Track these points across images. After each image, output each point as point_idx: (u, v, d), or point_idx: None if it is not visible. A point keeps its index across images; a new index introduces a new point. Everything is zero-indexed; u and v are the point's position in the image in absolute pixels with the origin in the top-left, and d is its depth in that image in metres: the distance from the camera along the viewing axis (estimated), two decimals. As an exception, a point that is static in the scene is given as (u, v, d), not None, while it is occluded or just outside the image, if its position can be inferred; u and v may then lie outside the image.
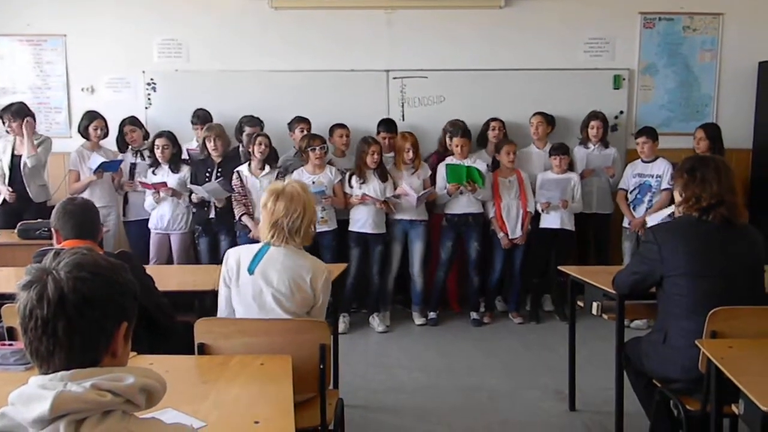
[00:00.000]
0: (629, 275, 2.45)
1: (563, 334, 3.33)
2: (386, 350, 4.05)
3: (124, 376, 1.01)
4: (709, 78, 5.05)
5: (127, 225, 4.68)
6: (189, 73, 4.96)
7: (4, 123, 4.35)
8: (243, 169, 4.27)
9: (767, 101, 4.94)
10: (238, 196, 4.23)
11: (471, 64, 4.94)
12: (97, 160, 4.38)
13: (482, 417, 3.07)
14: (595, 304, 2.74)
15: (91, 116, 4.50)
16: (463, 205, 4.43)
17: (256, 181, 4.23)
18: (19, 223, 3.84)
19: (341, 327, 4.19)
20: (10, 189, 4.28)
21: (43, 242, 3.30)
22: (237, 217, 4.24)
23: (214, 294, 2.56)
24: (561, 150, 4.46)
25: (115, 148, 4.66)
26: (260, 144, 4.19)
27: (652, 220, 3.99)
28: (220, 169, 4.34)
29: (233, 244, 4.16)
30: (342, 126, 4.60)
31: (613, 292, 2.55)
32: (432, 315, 4.53)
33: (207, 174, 4.34)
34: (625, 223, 4.56)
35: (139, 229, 4.56)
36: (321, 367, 2.05)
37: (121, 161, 4.54)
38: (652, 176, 4.43)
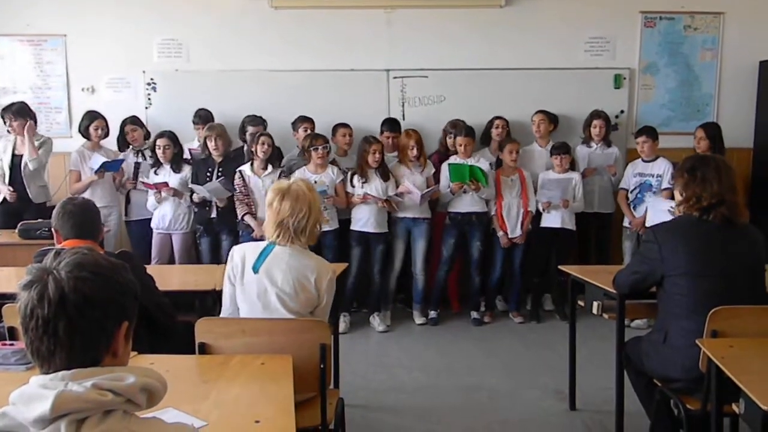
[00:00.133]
0: (630, 275, 2.45)
1: (564, 333, 3.33)
2: (387, 350, 4.06)
3: (125, 375, 1.01)
4: (709, 77, 5.05)
5: (129, 224, 4.69)
6: (189, 73, 4.96)
7: (5, 122, 4.35)
8: (245, 168, 4.27)
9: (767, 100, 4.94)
10: (240, 196, 4.23)
11: (471, 64, 4.94)
12: (98, 160, 4.38)
13: (482, 416, 3.07)
14: (595, 304, 2.74)
15: (92, 116, 4.51)
16: (467, 204, 4.43)
17: (258, 180, 4.23)
18: (20, 223, 3.85)
19: (342, 326, 4.19)
20: (11, 189, 4.29)
21: (43, 242, 3.30)
22: (239, 217, 4.24)
23: (215, 294, 2.57)
24: (562, 149, 4.46)
25: (115, 147, 4.66)
26: (263, 144, 4.19)
27: (652, 209, 4.00)
28: (221, 169, 4.34)
29: (235, 243, 4.14)
30: (345, 125, 4.60)
31: (614, 291, 2.55)
32: (432, 314, 4.53)
33: (208, 174, 4.35)
34: (626, 223, 4.56)
35: (141, 229, 4.57)
36: (321, 366, 2.05)
37: (122, 161, 4.54)
38: (653, 176, 4.43)
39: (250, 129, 4.53)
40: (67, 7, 4.92)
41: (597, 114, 4.67)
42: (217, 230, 4.42)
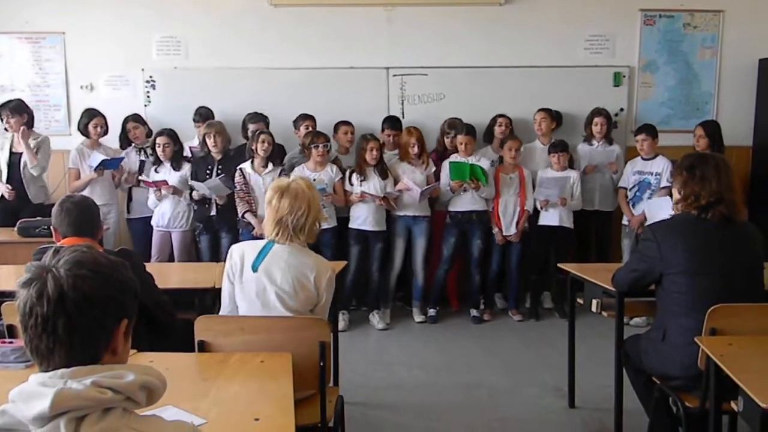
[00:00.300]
0: (628, 273, 2.45)
1: (563, 331, 3.33)
2: (386, 348, 4.06)
3: (125, 373, 1.01)
4: (709, 75, 5.05)
5: (130, 222, 4.69)
6: (188, 71, 4.95)
7: (2, 120, 4.34)
8: (246, 166, 4.26)
9: (767, 98, 4.93)
10: (241, 193, 4.23)
11: (471, 62, 4.94)
12: (98, 158, 4.38)
13: (482, 414, 3.07)
14: (594, 302, 2.74)
15: (91, 114, 4.50)
16: (468, 202, 4.43)
17: (259, 178, 4.23)
18: (19, 221, 3.84)
19: (341, 324, 4.19)
20: (9, 187, 4.28)
21: (43, 240, 3.30)
22: (240, 215, 4.24)
23: (214, 292, 2.57)
24: (560, 147, 4.46)
25: (114, 145, 4.66)
26: (263, 142, 4.18)
27: (650, 208, 4.00)
28: (220, 166, 4.34)
29: (234, 241, 4.14)
30: (347, 123, 4.60)
31: (613, 289, 2.55)
32: (432, 312, 4.54)
33: (207, 171, 4.34)
34: (625, 221, 4.56)
35: (142, 226, 4.57)
36: (321, 364, 2.05)
37: (121, 159, 4.54)
38: (652, 174, 4.43)
39: (251, 127, 4.52)
40: (65, 4, 4.91)
41: (598, 112, 4.66)
42: (216, 228, 4.42)
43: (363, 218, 4.33)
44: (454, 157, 4.45)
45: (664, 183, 4.33)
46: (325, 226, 4.18)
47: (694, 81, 5.06)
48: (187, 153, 4.61)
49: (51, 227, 2.30)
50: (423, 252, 4.47)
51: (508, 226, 4.47)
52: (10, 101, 4.38)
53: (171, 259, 4.49)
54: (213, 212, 4.36)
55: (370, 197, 4.27)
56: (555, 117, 4.70)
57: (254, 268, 2.18)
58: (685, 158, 2.41)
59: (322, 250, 4.02)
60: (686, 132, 4.74)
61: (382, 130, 4.61)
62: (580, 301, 3.03)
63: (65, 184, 4.53)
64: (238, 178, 4.23)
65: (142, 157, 4.59)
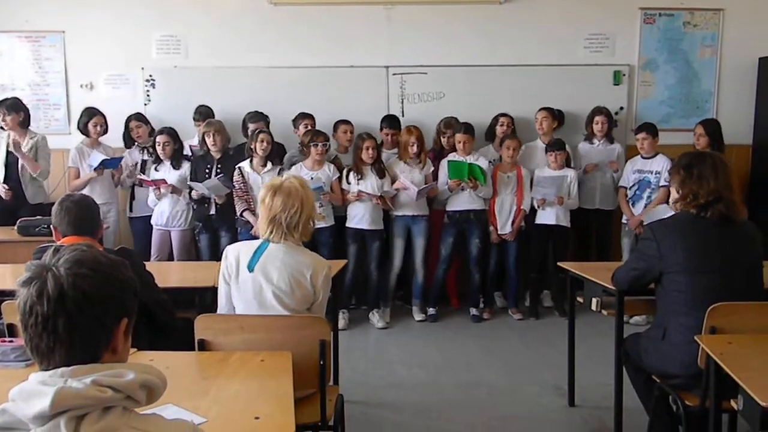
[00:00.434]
0: (628, 271, 2.45)
1: (563, 329, 3.33)
2: (386, 346, 4.06)
3: (125, 372, 1.01)
4: (709, 74, 5.05)
5: (132, 221, 4.70)
6: (188, 70, 4.95)
7: None
8: (245, 165, 4.26)
9: (767, 97, 4.93)
10: (239, 192, 4.23)
11: (470, 60, 4.94)
12: (97, 157, 4.38)
13: (481, 413, 3.07)
14: (594, 300, 2.74)
15: (91, 113, 4.50)
16: (465, 201, 4.43)
17: (258, 177, 4.23)
18: (19, 220, 3.84)
19: (341, 323, 4.19)
20: (6, 187, 4.26)
21: (43, 239, 3.30)
22: (239, 213, 4.24)
23: (214, 290, 2.56)
24: (557, 146, 4.46)
25: (114, 144, 4.66)
26: (262, 141, 4.18)
27: (649, 219, 4.00)
28: (219, 166, 4.34)
29: (234, 240, 4.15)
30: (346, 122, 4.60)
31: (613, 288, 2.55)
32: (431, 311, 4.54)
33: (207, 170, 4.35)
34: (624, 220, 4.57)
35: (144, 225, 4.57)
36: (321, 363, 2.05)
37: (121, 158, 4.54)
38: (652, 172, 4.43)
39: (251, 126, 4.52)
40: (65, 3, 4.91)
41: (599, 110, 4.66)
42: (216, 227, 4.42)
43: (360, 217, 4.33)
44: (452, 156, 4.45)
45: (663, 182, 4.33)
46: (322, 225, 4.21)
47: (694, 79, 5.06)
48: (187, 152, 4.61)
49: (51, 226, 2.30)
50: (422, 251, 4.47)
51: (504, 225, 4.47)
52: (5, 99, 4.37)
53: (170, 258, 4.49)
54: (212, 211, 4.36)
55: (367, 196, 4.27)
56: (557, 116, 4.70)
57: (250, 268, 2.18)
58: (682, 157, 2.41)
59: (319, 249, 4.03)
60: (686, 131, 4.74)
61: (381, 129, 4.61)
62: (580, 299, 3.03)
63: (65, 183, 4.53)
64: (236, 176, 4.23)
65: (145, 156, 4.59)
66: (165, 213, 4.44)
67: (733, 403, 1.90)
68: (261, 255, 2.19)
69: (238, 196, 4.23)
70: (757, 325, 2.09)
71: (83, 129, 4.50)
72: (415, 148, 4.37)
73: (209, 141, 4.32)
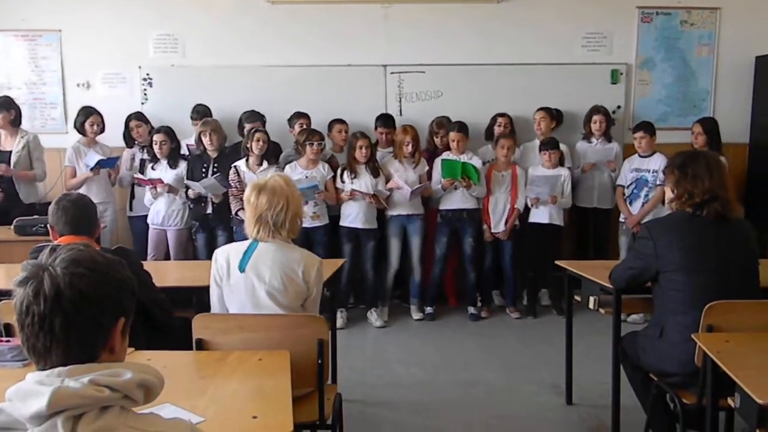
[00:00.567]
0: (625, 270, 2.45)
1: (560, 328, 3.34)
2: (384, 345, 4.06)
3: (122, 371, 1.01)
4: (706, 72, 5.06)
5: (132, 220, 4.70)
6: (185, 69, 4.94)
7: None
8: (240, 164, 4.26)
9: (764, 96, 4.95)
10: (235, 191, 4.22)
11: (468, 59, 4.94)
12: (94, 157, 4.37)
13: (480, 411, 3.08)
14: (592, 299, 2.75)
15: (87, 112, 4.49)
16: (458, 200, 4.43)
17: (253, 176, 4.21)
18: (16, 219, 3.83)
19: (339, 322, 4.20)
20: None
21: (39, 238, 3.29)
22: (233, 212, 4.24)
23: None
24: (550, 145, 4.46)
25: (112, 143, 4.65)
26: (258, 140, 4.18)
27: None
28: (216, 165, 4.33)
29: (230, 239, 4.16)
30: (341, 121, 4.60)
31: (610, 286, 2.55)
32: (429, 310, 4.54)
33: (203, 169, 4.34)
34: (622, 218, 4.57)
35: (143, 224, 4.57)
36: (319, 362, 2.05)
37: (117, 158, 4.53)
38: (649, 171, 4.43)
39: (247, 125, 4.52)
40: (62, 2, 4.90)
41: (597, 109, 4.67)
42: (212, 226, 4.41)
43: (353, 216, 4.33)
44: (446, 155, 4.45)
45: (660, 181, 4.34)
46: (317, 223, 4.22)
47: (691, 78, 5.07)
48: (184, 151, 4.61)
49: (48, 225, 2.29)
50: (419, 250, 4.48)
51: (498, 224, 4.48)
52: None
53: (167, 257, 4.48)
54: (209, 210, 4.36)
55: (360, 195, 4.27)
56: (555, 116, 4.70)
57: (241, 269, 2.18)
58: (676, 157, 2.41)
59: (315, 248, 4.05)
60: (683, 129, 4.76)
61: (375, 128, 4.62)
62: (577, 298, 3.03)
63: (62, 183, 4.51)
64: (232, 176, 4.22)
65: (145, 156, 4.58)
66: (161, 212, 4.44)
67: (730, 400, 1.90)
68: (251, 255, 2.18)
69: (234, 195, 4.22)
70: (754, 323, 2.09)
71: (80, 128, 4.49)
72: (410, 148, 4.37)
73: (206, 140, 4.31)
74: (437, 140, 4.61)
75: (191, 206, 4.42)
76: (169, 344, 2.05)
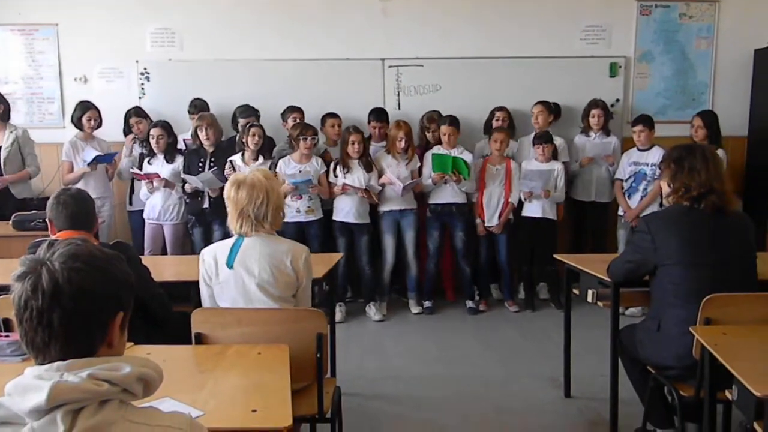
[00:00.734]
0: (623, 264, 2.46)
1: (559, 321, 3.35)
2: (383, 339, 4.07)
3: (121, 365, 1.01)
4: (705, 65, 5.05)
5: (131, 214, 4.70)
6: (182, 63, 4.92)
7: None
8: (236, 158, 4.26)
9: (762, 89, 4.94)
10: (229, 185, 4.21)
11: (466, 53, 4.92)
12: (91, 153, 4.36)
13: (478, 404, 3.09)
14: (590, 292, 2.75)
15: (85, 107, 4.47)
16: (448, 194, 4.43)
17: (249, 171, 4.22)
18: (14, 215, 3.82)
19: (338, 316, 4.21)
20: None
21: (38, 233, 3.29)
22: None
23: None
24: (543, 139, 4.46)
25: (110, 138, 4.63)
26: (254, 135, 4.18)
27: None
28: (213, 159, 4.33)
29: (227, 233, 4.12)
30: (334, 115, 4.58)
31: (608, 279, 2.56)
32: (428, 304, 4.55)
33: (200, 164, 4.33)
34: (620, 212, 4.57)
35: (142, 219, 4.56)
36: (318, 355, 2.06)
37: (114, 153, 4.53)
38: (648, 164, 4.43)
39: (241, 120, 4.50)
40: (58, -4, 4.88)
41: (595, 103, 4.66)
42: (209, 220, 4.41)
43: (346, 211, 4.33)
44: (437, 149, 4.44)
45: (659, 174, 4.34)
46: (312, 218, 4.23)
47: (689, 71, 5.06)
48: (181, 145, 4.60)
49: (46, 220, 2.29)
50: (413, 244, 4.48)
51: (491, 218, 4.48)
52: None
53: (163, 251, 4.48)
54: (206, 205, 4.35)
55: (352, 189, 4.26)
56: (553, 110, 4.69)
57: (229, 265, 2.18)
58: (672, 151, 2.41)
59: (310, 242, 4.08)
60: (682, 122, 4.75)
61: (369, 122, 4.61)
62: (576, 291, 3.04)
63: (59, 178, 4.50)
64: (228, 170, 4.22)
65: (142, 150, 4.57)
66: (157, 207, 4.43)
67: (727, 393, 1.91)
68: (238, 251, 2.19)
69: (228, 190, 4.21)
70: (751, 316, 2.10)
71: (77, 123, 4.47)
72: (403, 143, 4.36)
73: (202, 135, 4.31)
74: (429, 135, 4.60)
75: (188, 201, 4.41)
76: (168, 339, 2.05)
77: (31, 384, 0.97)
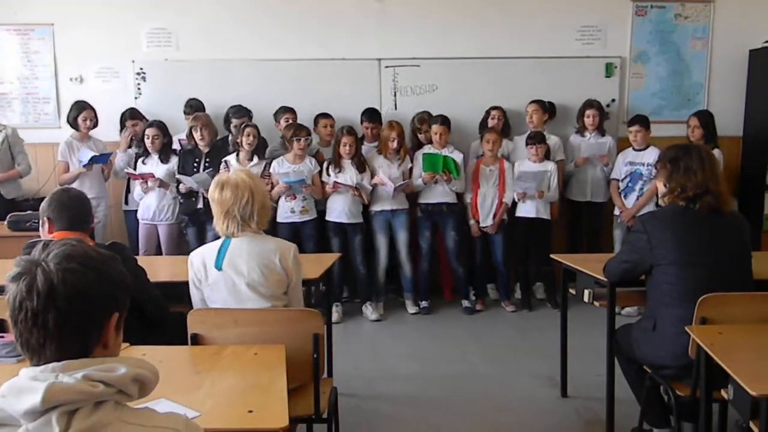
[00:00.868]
0: (619, 263, 2.46)
1: (555, 321, 3.35)
2: (379, 339, 4.07)
3: (116, 366, 1.00)
4: (700, 66, 5.06)
5: (127, 214, 4.68)
6: (178, 63, 4.91)
7: None
8: (231, 158, 4.25)
9: (758, 89, 4.96)
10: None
11: (463, 53, 4.92)
12: (87, 154, 4.35)
13: (475, 404, 3.09)
14: (586, 292, 2.76)
15: (80, 107, 4.46)
16: (438, 194, 4.44)
17: (243, 171, 4.21)
18: (9, 215, 3.81)
19: (335, 316, 4.20)
20: None
21: (33, 234, 3.27)
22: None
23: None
24: (537, 139, 4.46)
25: (106, 138, 4.62)
26: (248, 135, 4.18)
27: None
28: (207, 159, 4.32)
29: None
30: (327, 116, 4.58)
31: (605, 279, 2.56)
32: (424, 304, 4.55)
33: (195, 164, 4.32)
34: (616, 212, 4.59)
35: (138, 219, 4.55)
36: (315, 356, 2.06)
37: (110, 154, 4.52)
38: (643, 164, 4.44)
39: (234, 121, 4.50)
40: (54, -5, 4.86)
41: (590, 103, 4.67)
42: (203, 220, 4.38)
43: (339, 211, 4.33)
44: (427, 149, 4.45)
45: (655, 174, 4.35)
46: (306, 217, 4.23)
47: (685, 72, 5.07)
48: (176, 145, 4.59)
49: (44, 218, 2.27)
50: (406, 244, 4.48)
51: (486, 218, 4.48)
52: None
53: (157, 252, 4.47)
54: (200, 205, 4.34)
55: (344, 187, 4.26)
56: (547, 109, 4.70)
57: (218, 267, 2.17)
58: (667, 151, 2.41)
59: (304, 242, 4.07)
60: (677, 123, 4.77)
61: (361, 123, 4.60)
62: (572, 291, 3.05)
63: (54, 178, 4.49)
64: (222, 170, 4.21)
65: (138, 150, 4.56)
66: (151, 207, 4.42)
67: (723, 392, 1.92)
68: (226, 252, 2.18)
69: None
70: (747, 316, 2.10)
71: (73, 123, 4.46)
72: (395, 144, 4.36)
73: (196, 135, 4.30)
74: (421, 136, 4.60)
75: (182, 201, 4.41)
76: (164, 339, 2.05)
77: (26, 385, 0.96)
